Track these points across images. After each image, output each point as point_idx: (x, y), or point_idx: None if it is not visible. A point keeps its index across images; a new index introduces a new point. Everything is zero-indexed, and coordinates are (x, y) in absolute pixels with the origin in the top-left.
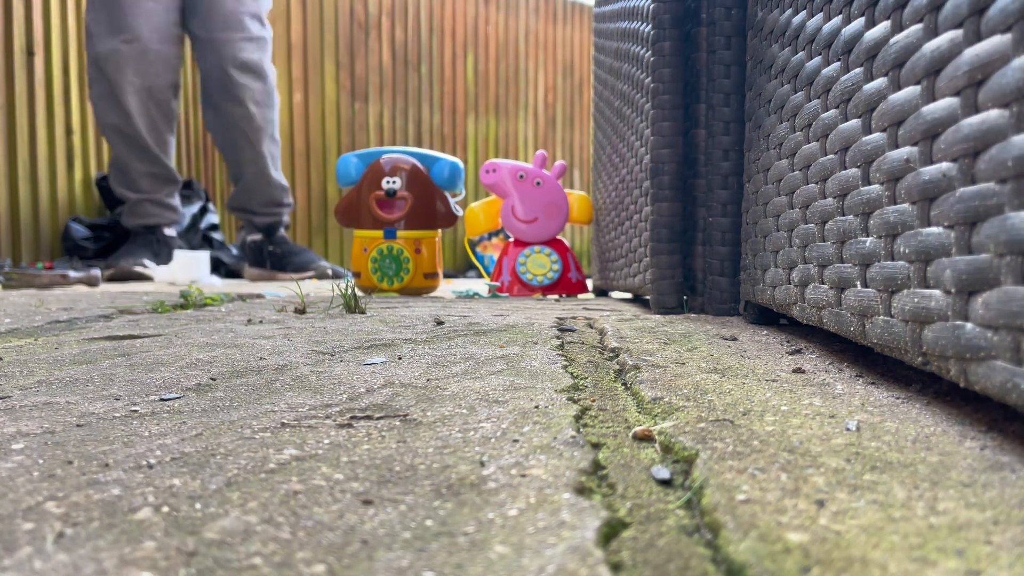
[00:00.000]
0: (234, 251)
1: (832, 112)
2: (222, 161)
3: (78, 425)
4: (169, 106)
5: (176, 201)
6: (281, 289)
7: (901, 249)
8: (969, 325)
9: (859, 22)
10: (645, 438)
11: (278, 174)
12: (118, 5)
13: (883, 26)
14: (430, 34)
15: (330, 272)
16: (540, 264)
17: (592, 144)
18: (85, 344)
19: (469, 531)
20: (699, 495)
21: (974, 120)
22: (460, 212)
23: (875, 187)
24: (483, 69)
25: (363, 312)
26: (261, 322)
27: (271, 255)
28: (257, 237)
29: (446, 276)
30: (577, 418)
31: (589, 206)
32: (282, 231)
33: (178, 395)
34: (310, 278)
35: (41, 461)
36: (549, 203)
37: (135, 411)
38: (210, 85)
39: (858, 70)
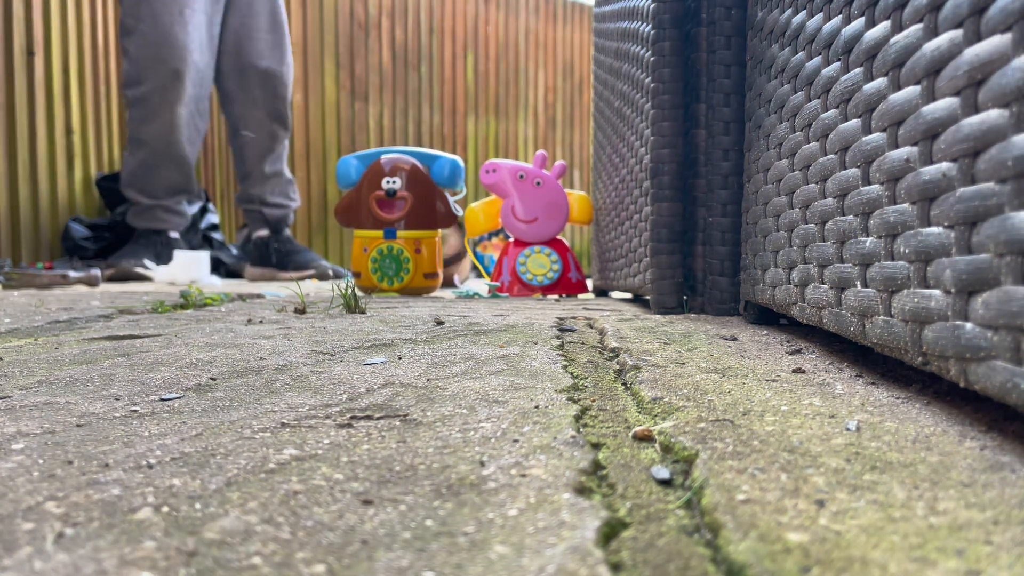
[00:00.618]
0: (234, 251)
1: (832, 112)
2: (222, 161)
3: (78, 425)
4: (206, 117)
5: (185, 207)
6: (281, 289)
7: (901, 249)
8: (969, 325)
9: (859, 22)
10: (645, 438)
11: (288, 169)
12: (170, 17)
13: (883, 26)
14: (430, 34)
15: (331, 272)
16: (540, 264)
17: (592, 144)
18: (85, 344)
19: (469, 531)
20: (699, 495)
21: (974, 120)
22: (460, 212)
23: (875, 187)
24: (483, 69)
25: (363, 312)
26: (261, 322)
27: (276, 252)
28: (264, 233)
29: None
30: (577, 418)
31: (589, 206)
32: (287, 230)
33: (178, 395)
34: (311, 277)
35: (41, 461)
36: (549, 203)
37: (135, 411)
38: (249, 81)
39: (858, 70)
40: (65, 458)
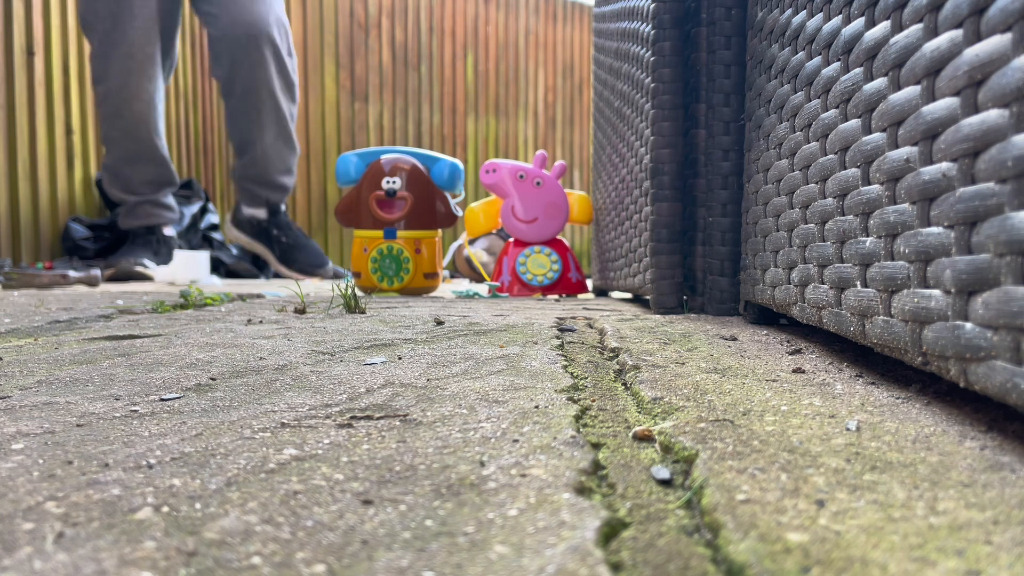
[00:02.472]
0: (234, 251)
1: (832, 112)
2: (222, 161)
3: (78, 425)
4: (162, 101)
5: (172, 201)
6: (281, 289)
7: (901, 249)
8: (969, 325)
9: (859, 22)
10: (645, 438)
11: (294, 138)
12: (122, 12)
13: (883, 26)
14: (430, 34)
15: (332, 273)
16: (540, 264)
17: (592, 144)
18: (85, 344)
19: (469, 531)
20: (699, 495)
21: (974, 120)
22: (460, 212)
23: (875, 187)
24: (483, 69)
25: (363, 312)
26: (261, 322)
27: (278, 243)
28: (260, 214)
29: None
30: (577, 418)
31: (589, 206)
32: (284, 211)
33: (178, 395)
34: (317, 277)
35: (41, 461)
36: (549, 203)
37: (135, 411)
38: (239, 49)
39: (858, 70)
40: (65, 458)
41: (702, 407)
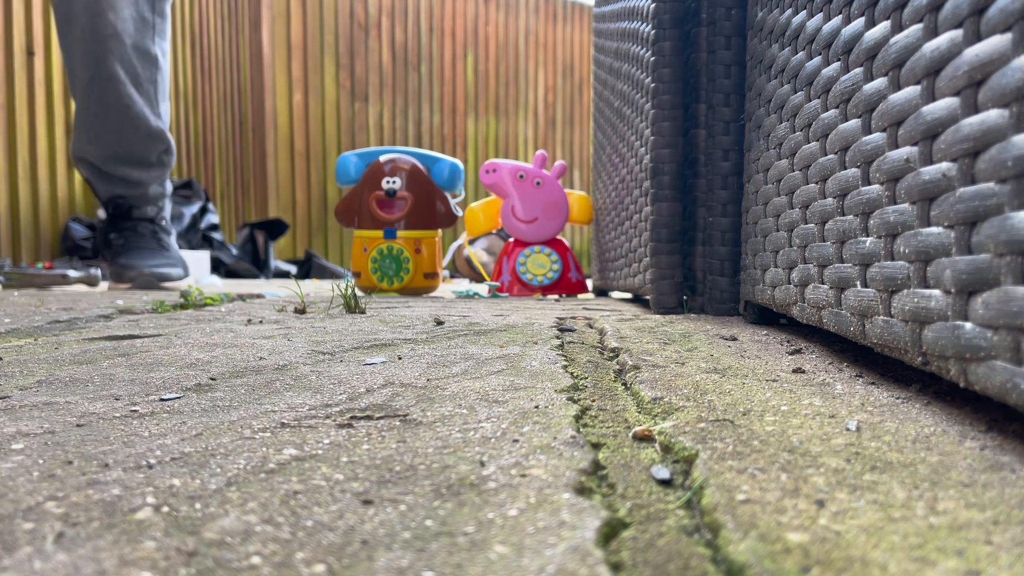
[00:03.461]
0: (234, 251)
1: (832, 112)
2: (222, 161)
3: (78, 425)
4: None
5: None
6: (281, 289)
7: (901, 249)
8: (969, 325)
9: (859, 22)
10: (645, 438)
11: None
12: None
13: (883, 26)
14: (430, 34)
15: (157, 282)
16: (540, 264)
17: (592, 144)
18: (85, 344)
19: (469, 531)
20: (699, 495)
21: (974, 120)
22: (460, 212)
23: (875, 187)
24: (483, 69)
25: (363, 312)
26: (261, 322)
27: (112, 247)
28: (102, 216)
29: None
30: (577, 418)
31: (589, 206)
32: (143, 220)
33: (178, 395)
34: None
35: (41, 461)
36: (549, 203)
37: (135, 411)
38: None
39: (858, 70)
40: (65, 458)
41: (702, 407)
